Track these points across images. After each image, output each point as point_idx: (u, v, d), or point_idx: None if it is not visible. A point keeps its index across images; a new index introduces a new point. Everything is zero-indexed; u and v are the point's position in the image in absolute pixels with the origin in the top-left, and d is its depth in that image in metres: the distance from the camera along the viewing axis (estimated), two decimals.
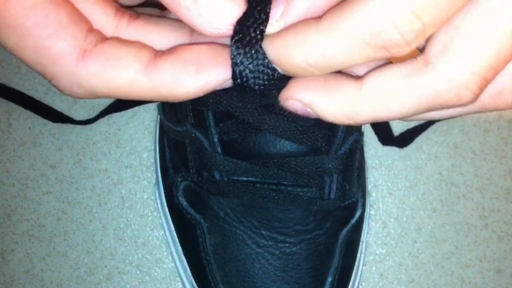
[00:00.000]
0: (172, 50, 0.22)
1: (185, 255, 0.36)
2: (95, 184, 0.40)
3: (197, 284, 0.35)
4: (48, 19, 0.20)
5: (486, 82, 0.19)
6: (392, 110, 0.20)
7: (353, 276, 0.35)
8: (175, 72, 0.21)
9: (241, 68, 0.21)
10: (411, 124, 0.40)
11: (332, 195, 0.33)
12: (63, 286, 0.40)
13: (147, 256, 0.40)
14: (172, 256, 0.37)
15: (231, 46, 0.21)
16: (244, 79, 0.21)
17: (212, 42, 0.22)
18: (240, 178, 0.32)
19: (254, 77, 0.21)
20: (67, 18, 0.20)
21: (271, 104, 0.31)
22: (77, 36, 0.20)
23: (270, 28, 0.21)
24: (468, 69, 0.18)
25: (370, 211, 0.39)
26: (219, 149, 0.32)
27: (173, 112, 0.35)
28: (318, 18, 0.19)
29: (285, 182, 0.32)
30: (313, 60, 0.19)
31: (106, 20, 0.22)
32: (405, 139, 0.40)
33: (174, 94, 0.21)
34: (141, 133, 0.41)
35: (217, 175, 0.32)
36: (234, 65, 0.21)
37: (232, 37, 0.21)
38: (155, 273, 0.40)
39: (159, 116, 0.38)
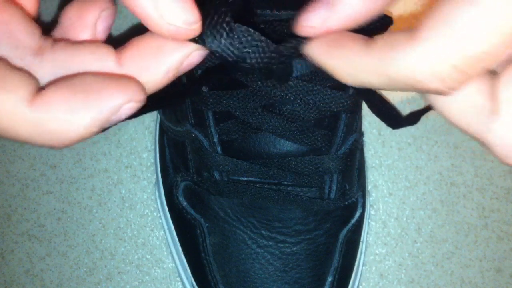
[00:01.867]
0: (53, 81, 0.19)
1: (185, 255, 0.36)
2: (95, 184, 0.40)
3: (197, 284, 0.35)
4: None
5: (465, 77, 0.18)
6: (370, 80, 0.20)
7: (353, 276, 0.35)
8: (63, 102, 0.18)
9: (223, 47, 0.21)
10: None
11: (332, 195, 0.33)
12: (63, 286, 0.40)
13: (147, 256, 0.40)
14: (172, 256, 0.37)
15: (202, 33, 0.20)
16: (232, 55, 0.21)
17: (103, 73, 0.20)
18: (240, 178, 0.32)
19: (247, 52, 0.21)
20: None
21: (271, 104, 0.31)
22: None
23: (311, 31, 0.20)
24: (446, 59, 0.17)
25: (370, 211, 0.39)
26: (219, 149, 0.32)
27: (173, 112, 0.35)
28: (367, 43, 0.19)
29: (285, 182, 0.32)
30: (352, 80, 0.20)
31: (31, 36, 0.20)
32: (414, 117, 0.39)
33: (64, 131, 0.19)
34: (141, 133, 0.41)
35: (217, 175, 0.32)
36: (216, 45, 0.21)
37: (203, 22, 0.20)
38: (155, 273, 0.40)
39: (159, 116, 0.38)
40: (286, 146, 0.32)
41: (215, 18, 0.21)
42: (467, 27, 0.17)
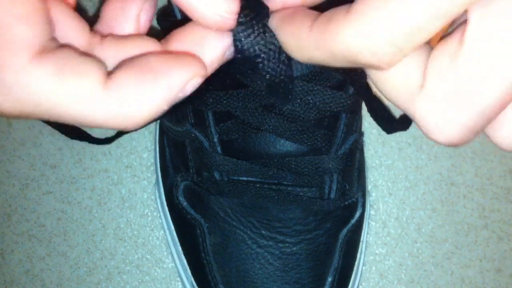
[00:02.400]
0: (119, 64, 0.20)
1: (185, 255, 0.36)
2: (95, 184, 0.40)
3: (197, 284, 0.35)
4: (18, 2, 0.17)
5: (400, 52, 0.17)
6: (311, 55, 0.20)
7: (353, 276, 0.35)
8: (135, 83, 0.19)
9: (250, 45, 0.21)
10: None
11: (332, 195, 0.33)
12: (63, 286, 0.40)
13: (147, 256, 0.40)
14: (172, 256, 0.37)
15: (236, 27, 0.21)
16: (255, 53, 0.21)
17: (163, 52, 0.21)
18: (240, 178, 0.32)
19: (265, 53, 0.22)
20: (41, 10, 0.18)
21: (271, 104, 0.31)
22: (44, 31, 0.18)
23: (270, 3, 0.20)
24: (379, 33, 0.17)
25: (370, 211, 0.39)
26: (219, 149, 0.32)
27: (173, 112, 0.35)
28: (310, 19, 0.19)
29: (285, 182, 0.32)
30: (299, 56, 0.20)
31: (81, 33, 0.20)
32: (406, 121, 0.39)
33: (139, 111, 0.19)
34: (141, 133, 0.41)
35: (217, 175, 0.32)
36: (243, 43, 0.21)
37: (239, 16, 0.20)
38: (155, 273, 0.40)
39: None
40: (286, 146, 0.32)
41: (255, 16, 0.21)
42: (400, 2, 0.16)
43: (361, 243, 0.36)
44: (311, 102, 0.30)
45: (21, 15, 0.17)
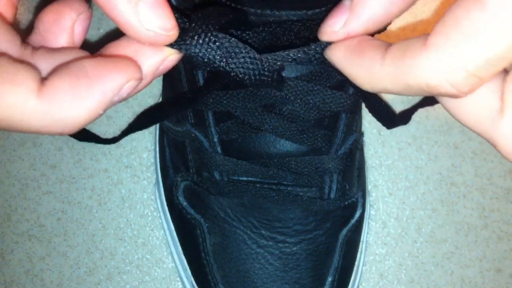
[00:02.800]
0: (54, 70, 0.20)
1: (185, 255, 0.36)
2: (95, 184, 0.40)
3: (197, 284, 0.35)
4: None
5: (478, 81, 0.18)
6: (393, 88, 0.20)
7: (353, 276, 0.35)
8: (69, 89, 0.19)
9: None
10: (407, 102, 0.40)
11: (332, 195, 0.33)
12: (63, 286, 0.40)
13: (147, 256, 0.40)
14: (172, 256, 0.37)
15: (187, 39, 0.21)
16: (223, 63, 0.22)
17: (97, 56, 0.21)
18: (240, 178, 0.32)
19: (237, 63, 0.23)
20: None
21: (271, 104, 0.31)
22: None
23: (333, 36, 0.21)
24: (458, 65, 0.17)
25: (370, 211, 0.39)
26: (219, 149, 0.32)
27: None
28: (383, 51, 0.20)
29: (285, 182, 0.32)
30: (370, 87, 0.21)
31: (12, 46, 0.20)
32: (406, 115, 0.39)
33: (71, 116, 0.19)
34: (141, 133, 0.41)
35: (217, 175, 0.32)
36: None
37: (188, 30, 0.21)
38: (155, 273, 0.40)
39: None
40: (286, 146, 0.32)
41: (202, 27, 0.22)
42: (477, 32, 0.17)
43: (361, 243, 0.36)
44: (311, 102, 0.30)
45: None
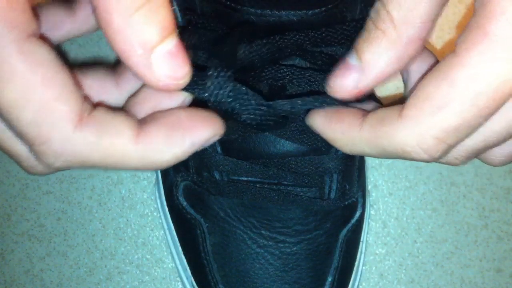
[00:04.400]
0: (152, 117, 0.22)
1: (185, 255, 0.36)
2: (95, 184, 0.40)
3: (197, 284, 0.35)
4: (56, 79, 0.20)
5: (447, 147, 0.20)
6: (368, 152, 0.23)
7: (353, 276, 0.35)
8: (163, 139, 0.21)
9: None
10: None
11: (332, 195, 0.33)
12: (63, 286, 0.40)
13: (147, 256, 0.40)
14: (172, 256, 0.37)
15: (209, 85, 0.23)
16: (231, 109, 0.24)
17: (179, 107, 0.23)
18: (240, 178, 0.32)
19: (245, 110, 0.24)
20: (71, 82, 0.20)
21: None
22: (78, 101, 0.20)
23: (346, 94, 0.22)
24: (430, 133, 0.20)
25: (370, 211, 0.39)
26: (219, 149, 0.32)
27: None
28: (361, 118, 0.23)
29: (285, 182, 0.32)
30: (349, 150, 0.24)
31: (110, 93, 0.23)
32: None
33: (162, 161, 0.22)
34: None
35: (217, 175, 0.32)
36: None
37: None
38: (155, 273, 0.40)
39: None
40: (286, 146, 0.32)
41: (215, 74, 0.23)
42: (446, 105, 0.19)
43: (361, 243, 0.36)
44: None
45: (57, 96, 0.19)
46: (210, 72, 0.23)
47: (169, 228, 0.37)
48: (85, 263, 0.40)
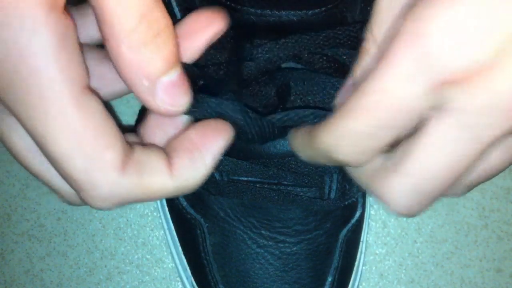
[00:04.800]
0: (171, 148, 0.24)
1: (185, 255, 0.36)
2: None
3: (197, 284, 0.35)
4: (106, 129, 0.21)
5: (363, 155, 0.21)
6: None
7: (353, 276, 0.35)
8: (189, 165, 0.23)
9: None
10: None
11: (332, 195, 0.33)
12: (63, 286, 0.40)
13: (147, 256, 0.40)
14: (172, 256, 0.37)
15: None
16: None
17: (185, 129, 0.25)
18: (240, 178, 0.32)
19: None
20: (117, 129, 0.21)
21: (271, 104, 0.31)
22: (123, 147, 0.21)
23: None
24: (346, 138, 0.21)
25: (370, 211, 0.39)
26: None
27: None
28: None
29: (285, 182, 0.32)
30: (299, 154, 0.26)
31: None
32: None
33: (194, 184, 0.24)
34: None
35: (217, 175, 0.32)
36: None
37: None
38: (155, 273, 0.40)
39: None
40: (286, 146, 0.32)
41: (211, 99, 0.24)
42: (354, 110, 0.20)
43: (361, 243, 0.36)
44: (311, 102, 0.30)
45: (107, 144, 0.21)
46: (201, 97, 0.24)
47: (169, 228, 0.37)
48: (85, 263, 0.40)
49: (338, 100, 0.25)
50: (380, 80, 0.19)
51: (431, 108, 0.19)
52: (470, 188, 0.23)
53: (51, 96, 0.19)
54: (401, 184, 0.21)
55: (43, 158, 0.22)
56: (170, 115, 0.22)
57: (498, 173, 0.22)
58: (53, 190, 0.24)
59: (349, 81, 0.24)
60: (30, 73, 0.19)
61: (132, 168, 0.22)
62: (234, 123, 0.25)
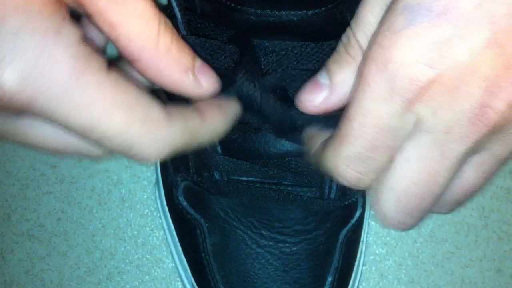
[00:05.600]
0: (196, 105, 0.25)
1: (185, 255, 0.36)
2: (95, 184, 0.40)
3: (197, 284, 0.35)
4: (143, 93, 0.22)
5: (363, 179, 0.22)
6: None
7: (353, 276, 0.35)
8: (219, 112, 0.25)
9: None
10: None
11: (332, 195, 0.33)
12: (63, 286, 0.40)
13: (147, 256, 0.40)
14: (172, 256, 0.37)
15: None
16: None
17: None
18: (240, 178, 0.32)
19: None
20: (147, 91, 0.23)
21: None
22: (162, 103, 0.22)
23: (314, 110, 0.24)
24: (338, 161, 0.22)
25: (370, 211, 0.39)
26: (219, 149, 0.32)
27: None
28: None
29: (285, 182, 0.32)
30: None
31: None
32: None
33: (224, 130, 0.26)
34: None
35: (217, 175, 0.32)
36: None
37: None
38: (155, 273, 0.40)
39: None
40: (286, 146, 0.32)
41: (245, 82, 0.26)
42: (344, 135, 0.22)
43: (361, 243, 0.36)
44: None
45: (148, 105, 0.21)
46: (240, 76, 0.26)
47: (169, 228, 0.37)
48: (85, 263, 0.40)
49: (303, 97, 0.25)
50: (362, 101, 0.20)
51: (411, 127, 0.20)
52: (454, 206, 0.24)
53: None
54: (388, 199, 0.22)
55: (68, 137, 0.23)
56: (208, 97, 0.24)
57: (477, 190, 0.24)
58: (81, 156, 0.25)
59: (319, 80, 0.24)
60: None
61: (176, 117, 0.22)
62: (260, 109, 0.26)
